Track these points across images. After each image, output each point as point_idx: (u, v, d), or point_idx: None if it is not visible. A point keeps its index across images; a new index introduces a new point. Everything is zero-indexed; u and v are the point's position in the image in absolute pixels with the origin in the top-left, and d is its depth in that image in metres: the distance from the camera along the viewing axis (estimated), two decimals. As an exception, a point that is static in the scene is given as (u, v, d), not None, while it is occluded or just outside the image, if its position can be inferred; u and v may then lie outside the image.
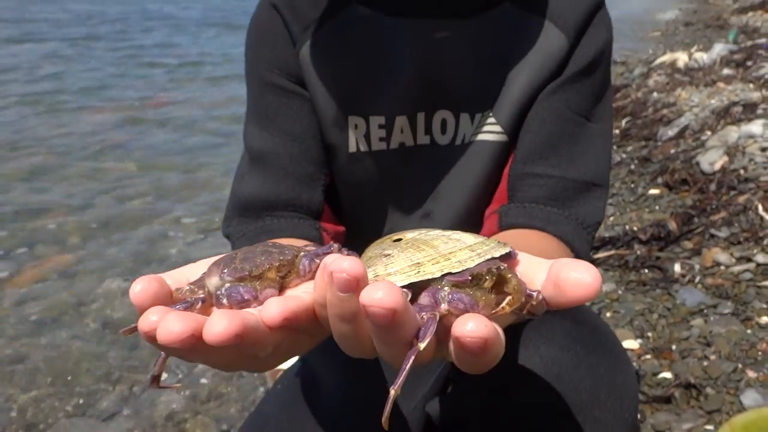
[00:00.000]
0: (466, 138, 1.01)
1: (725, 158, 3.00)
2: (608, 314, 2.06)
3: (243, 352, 0.50)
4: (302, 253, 0.59)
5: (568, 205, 0.94)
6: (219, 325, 0.45)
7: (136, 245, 3.58)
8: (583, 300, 0.47)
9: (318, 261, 0.58)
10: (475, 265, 0.50)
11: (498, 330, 0.45)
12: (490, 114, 0.99)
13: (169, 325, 0.46)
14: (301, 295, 0.54)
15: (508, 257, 0.55)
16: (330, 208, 1.05)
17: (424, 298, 0.48)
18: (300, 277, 0.58)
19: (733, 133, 3.21)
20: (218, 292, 0.55)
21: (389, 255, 0.53)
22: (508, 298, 0.48)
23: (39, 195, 4.33)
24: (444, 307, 0.46)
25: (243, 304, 0.54)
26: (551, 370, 0.81)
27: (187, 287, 0.57)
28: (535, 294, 0.50)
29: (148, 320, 0.48)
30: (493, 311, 0.47)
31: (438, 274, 0.49)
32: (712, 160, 3.02)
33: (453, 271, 0.49)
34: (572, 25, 0.96)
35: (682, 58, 5.92)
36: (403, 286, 0.49)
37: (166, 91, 7.41)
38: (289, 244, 0.62)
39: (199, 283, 0.57)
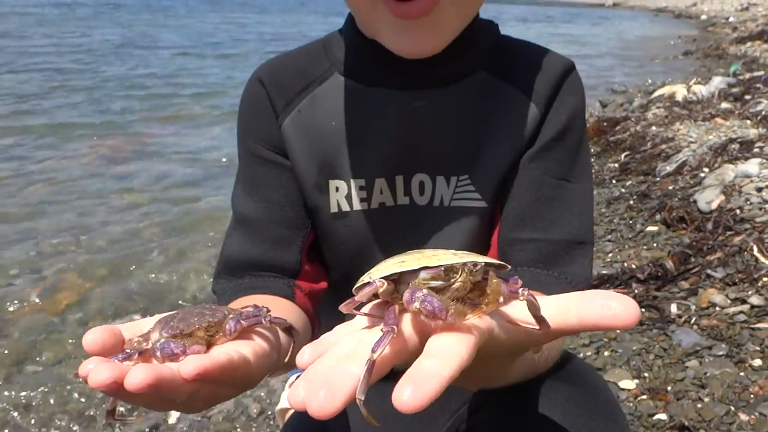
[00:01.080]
0: (445, 200, 1.07)
1: (722, 197, 3.08)
2: (606, 353, 2.13)
3: (161, 397, 0.61)
4: (231, 316, 0.70)
5: (555, 265, 1.00)
6: (136, 376, 0.57)
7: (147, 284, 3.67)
8: (623, 327, 0.53)
9: (243, 323, 0.70)
10: (452, 262, 0.56)
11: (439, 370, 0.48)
12: (467, 178, 1.05)
13: (98, 373, 0.58)
14: (219, 354, 0.65)
15: (501, 270, 0.61)
16: (318, 265, 1.13)
17: (406, 294, 0.53)
18: (226, 336, 0.69)
19: (729, 171, 3.28)
20: (154, 346, 0.66)
21: (404, 261, 0.61)
22: (487, 298, 0.54)
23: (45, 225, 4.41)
24: (416, 305, 0.51)
25: (172, 357, 0.65)
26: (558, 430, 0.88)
27: (136, 339, 0.68)
28: (520, 291, 0.55)
29: (85, 368, 0.60)
30: (469, 315, 0.53)
31: (416, 266, 0.56)
32: (708, 198, 3.10)
33: (430, 265, 0.56)
34: (543, 96, 1.03)
35: (680, 91, 6.03)
36: (385, 277, 0.57)
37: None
38: (227, 307, 0.74)
39: (146, 336, 0.68)
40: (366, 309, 0.62)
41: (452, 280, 0.56)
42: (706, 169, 3.62)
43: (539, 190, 1.03)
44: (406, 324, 0.55)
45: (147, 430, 2.27)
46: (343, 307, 0.58)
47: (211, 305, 0.74)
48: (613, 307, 0.52)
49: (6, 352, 2.86)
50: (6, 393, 2.51)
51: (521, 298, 0.55)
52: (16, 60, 10.92)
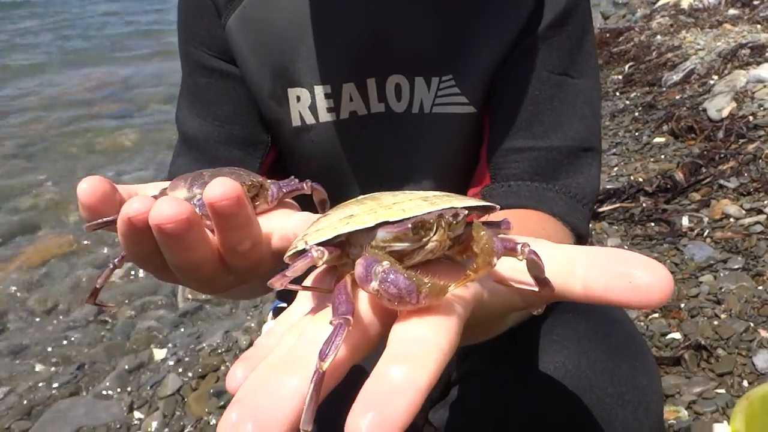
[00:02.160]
0: (425, 106, 0.90)
1: (733, 104, 2.91)
2: (614, 271, 2.00)
3: (187, 245, 0.50)
4: (270, 182, 0.61)
5: (557, 177, 0.85)
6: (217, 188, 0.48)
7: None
8: (649, 306, 0.37)
9: (285, 190, 0.61)
10: (423, 213, 0.40)
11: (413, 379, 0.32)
12: (451, 79, 0.88)
13: (132, 204, 0.49)
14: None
15: (487, 215, 0.46)
16: None
17: (359, 268, 0.37)
18: (267, 203, 0.60)
19: (741, 77, 3.10)
20: (192, 202, 0.55)
21: (327, 215, 0.45)
22: (475, 262, 0.38)
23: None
24: (373, 286, 0.36)
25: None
26: (568, 377, 0.73)
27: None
28: (519, 247, 0.39)
29: (132, 207, 0.49)
30: (455, 286, 0.37)
31: (371, 224, 0.40)
32: (719, 106, 2.93)
33: (390, 219, 0.40)
34: None
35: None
36: (328, 241, 0.41)
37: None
38: None
39: (163, 194, 0.59)
40: (308, 281, 0.46)
41: (424, 240, 0.40)
42: (715, 77, 3.43)
43: (536, 89, 0.87)
44: (364, 305, 0.39)
45: (128, 367, 2.17)
46: (274, 282, 0.40)
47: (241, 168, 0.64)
48: (637, 278, 0.36)
49: None
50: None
51: (520, 257, 0.40)
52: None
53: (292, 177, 0.62)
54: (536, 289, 0.41)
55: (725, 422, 1.27)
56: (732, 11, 5.15)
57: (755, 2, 5.42)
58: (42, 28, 8.92)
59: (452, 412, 0.88)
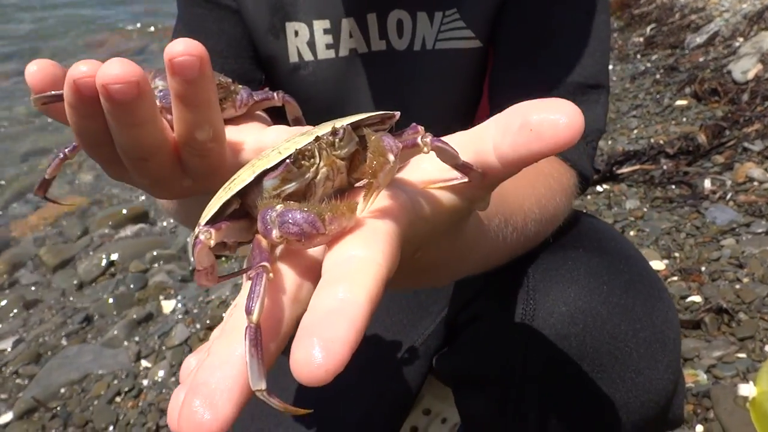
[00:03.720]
0: (428, 42, 0.86)
1: (759, 66, 2.83)
2: (632, 233, 1.96)
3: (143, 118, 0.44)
4: (241, 87, 0.58)
5: None
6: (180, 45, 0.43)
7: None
8: (567, 143, 0.33)
9: (255, 98, 0.58)
10: (298, 147, 0.37)
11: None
12: (455, 13, 0.84)
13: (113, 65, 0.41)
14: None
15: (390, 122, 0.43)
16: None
17: (258, 224, 0.35)
18: (235, 108, 0.57)
19: (767, 39, 3.01)
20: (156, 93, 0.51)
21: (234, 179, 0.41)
22: (368, 167, 0.35)
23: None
24: (275, 234, 0.33)
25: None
26: (580, 315, 0.69)
27: None
28: (419, 139, 0.37)
29: (78, 69, 0.43)
30: (363, 199, 0.35)
31: (250, 179, 0.37)
32: (745, 68, 2.85)
33: (267, 167, 0.37)
34: None
35: (711, -41, 5.60)
36: (216, 215, 0.39)
37: None
38: None
39: None
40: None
41: (312, 171, 0.37)
42: (740, 39, 3.34)
43: (543, 21, 0.83)
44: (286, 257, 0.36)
45: (137, 317, 2.16)
46: (200, 282, 0.40)
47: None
48: (536, 123, 0.34)
49: None
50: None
51: (426, 149, 0.36)
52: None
53: (266, 87, 0.59)
54: (465, 179, 0.38)
55: (751, 383, 1.23)
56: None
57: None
58: None
59: (459, 358, 0.85)
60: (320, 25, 0.86)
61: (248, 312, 0.30)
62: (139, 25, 6.82)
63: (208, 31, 0.88)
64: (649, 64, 3.66)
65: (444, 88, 0.88)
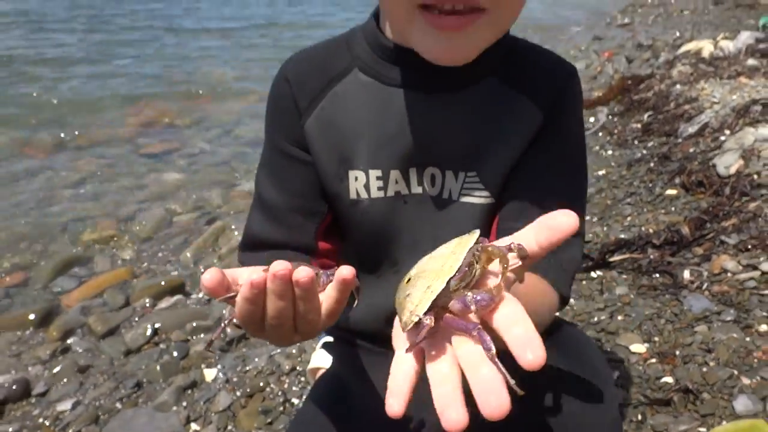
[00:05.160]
0: (453, 193, 1.17)
1: (741, 162, 3.12)
2: (620, 317, 2.23)
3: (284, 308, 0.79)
4: (322, 272, 0.84)
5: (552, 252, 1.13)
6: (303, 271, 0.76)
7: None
8: (571, 231, 0.68)
9: (330, 279, 0.82)
10: (462, 261, 0.68)
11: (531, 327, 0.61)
12: (476, 176, 1.15)
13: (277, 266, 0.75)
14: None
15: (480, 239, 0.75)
16: (333, 244, 1.25)
17: (455, 305, 0.65)
18: (320, 287, 0.83)
19: (749, 135, 3.32)
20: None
21: (409, 294, 0.69)
22: (500, 264, 0.69)
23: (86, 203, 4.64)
24: (473, 308, 0.63)
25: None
26: None
27: None
28: (511, 244, 0.70)
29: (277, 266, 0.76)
30: (500, 281, 0.66)
31: (444, 284, 0.66)
32: (727, 163, 3.15)
33: (451, 274, 0.67)
34: (547, 101, 1.14)
35: (707, 47, 5.98)
36: (429, 308, 0.65)
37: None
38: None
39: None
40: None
41: (474, 271, 0.69)
42: (727, 131, 3.64)
43: (538, 184, 1.15)
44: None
45: (182, 384, 2.44)
46: (408, 350, 0.66)
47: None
48: (553, 221, 0.70)
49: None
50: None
51: (515, 249, 0.71)
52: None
53: (335, 268, 0.84)
54: (521, 262, 0.72)
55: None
56: (751, 61, 5.36)
57: (774, 53, 5.63)
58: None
59: None
60: (374, 173, 1.17)
61: (487, 349, 0.60)
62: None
63: (287, 176, 1.21)
64: (645, 151, 3.97)
65: (463, 228, 1.20)
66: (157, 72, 8.46)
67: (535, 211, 1.12)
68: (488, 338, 0.60)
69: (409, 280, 0.72)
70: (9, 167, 5.27)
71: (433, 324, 0.63)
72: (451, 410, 0.57)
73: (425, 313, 0.64)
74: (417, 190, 1.19)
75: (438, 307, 0.66)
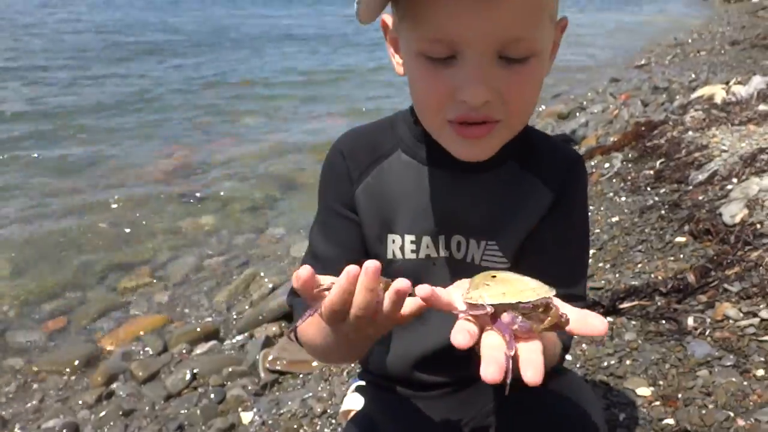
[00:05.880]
0: (476, 258, 1.39)
1: (745, 211, 3.29)
2: (628, 362, 2.40)
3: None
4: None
5: None
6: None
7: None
8: (599, 335, 0.92)
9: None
10: (536, 299, 0.90)
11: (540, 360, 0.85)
12: (495, 244, 1.38)
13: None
14: None
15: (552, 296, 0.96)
16: None
17: (506, 316, 0.88)
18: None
19: (754, 185, 3.48)
20: None
21: (488, 285, 0.95)
22: (550, 318, 0.89)
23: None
24: (515, 326, 0.86)
25: None
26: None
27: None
28: (565, 315, 0.91)
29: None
30: (540, 327, 0.89)
31: (514, 301, 0.90)
32: (733, 212, 3.31)
33: (523, 301, 0.90)
34: (556, 184, 1.37)
35: (719, 93, 6.16)
36: (492, 304, 0.90)
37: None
38: None
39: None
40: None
41: (532, 312, 0.91)
42: (734, 180, 3.80)
43: (549, 255, 1.37)
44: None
45: (221, 427, 2.63)
46: (463, 312, 0.94)
47: None
48: (589, 319, 0.91)
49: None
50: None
51: (563, 319, 0.91)
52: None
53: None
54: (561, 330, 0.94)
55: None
56: (762, 106, 5.53)
57: (785, 98, 5.78)
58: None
59: None
60: (409, 237, 1.40)
61: (509, 349, 0.85)
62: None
63: (340, 233, 1.43)
64: (657, 198, 4.13)
65: None
66: (188, 115, 8.85)
67: (546, 278, 1.33)
68: (514, 344, 0.85)
69: (494, 276, 0.98)
70: (44, 210, 5.57)
71: (489, 312, 0.90)
72: (494, 364, 0.81)
73: (490, 305, 0.90)
74: (444, 254, 1.41)
75: (497, 307, 0.90)
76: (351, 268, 0.97)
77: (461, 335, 0.86)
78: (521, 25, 1.09)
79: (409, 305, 1.03)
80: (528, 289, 0.92)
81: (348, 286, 0.98)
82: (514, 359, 0.83)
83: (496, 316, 0.90)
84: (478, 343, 0.88)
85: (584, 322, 0.91)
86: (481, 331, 0.91)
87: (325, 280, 1.03)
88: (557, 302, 0.94)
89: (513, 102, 1.17)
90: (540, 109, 9.01)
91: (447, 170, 1.35)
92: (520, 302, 0.89)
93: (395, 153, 1.41)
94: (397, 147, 1.41)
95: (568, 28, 1.29)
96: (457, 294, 0.99)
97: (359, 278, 0.97)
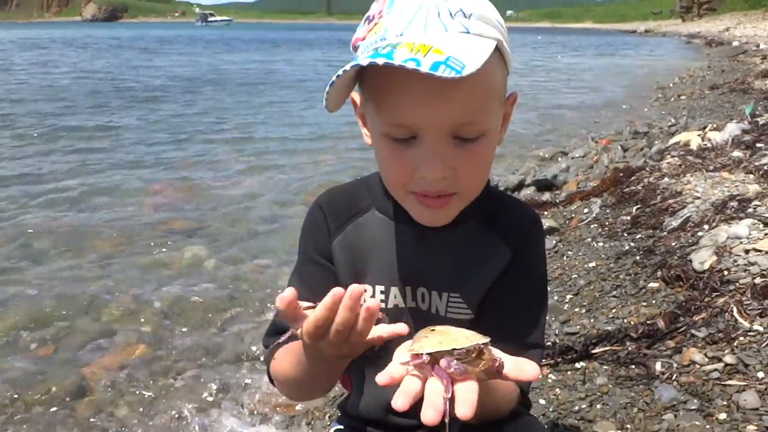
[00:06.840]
0: (440, 309, 1.51)
1: (714, 258, 3.42)
2: (598, 406, 2.51)
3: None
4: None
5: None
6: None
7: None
8: (531, 379, 1.04)
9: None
10: (469, 345, 1.00)
11: (473, 398, 0.95)
12: (458, 296, 1.50)
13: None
14: None
15: (487, 344, 1.07)
16: None
17: (443, 361, 0.98)
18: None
19: (722, 233, 3.62)
20: None
21: (426, 337, 1.07)
22: (483, 361, 0.99)
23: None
24: (451, 370, 0.96)
25: None
26: None
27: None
28: (498, 360, 1.00)
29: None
30: (476, 370, 0.99)
31: (449, 348, 1.01)
32: (702, 259, 3.44)
33: (457, 347, 1.01)
34: (515, 242, 1.50)
35: (695, 139, 6.36)
36: (430, 353, 1.01)
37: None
38: None
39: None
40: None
41: (466, 357, 1.02)
42: (706, 227, 3.94)
43: (508, 307, 1.49)
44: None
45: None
46: (402, 365, 1.04)
47: None
48: (524, 367, 1.03)
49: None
50: None
51: (497, 364, 1.02)
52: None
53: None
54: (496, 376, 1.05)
55: None
56: (736, 153, 5.73)
57: (758, 144, 5.99)
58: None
59: None
60: (379, 288, 1.53)
61: (446, 392, 0.96)
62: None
63: (316, 281, 1.53)
64: (632, 243, 4.27)
65: None
66: (176, 155, 9.04)
67: (505, 330, 1.45)
68: (450, 387, 0.97)
69: (433, 330, 1.10)
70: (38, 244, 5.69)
71: (426, 361, 1.00)
72: (431, 408, 0.92)
73: (427, 354, 1.00)
74: (411, 304, 1.54)
75: (434, 355, 1.00)
76: (336, 290, 1.10)
77: (401, 399, 0.96)
78: (472, 111, 1.25)
79: (377, 332, 1.18)
80: (462, 337, 1.04)
81: (332, 305, 1.10)
82: (452, 400, 0.95)
83: (435, 364, 1.02)
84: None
85: (519, 368, 1.02)
86: (425, 380, 1.01)
87: (302, 304, 1.17)
88: (494, 350, 1.04)
89: (466, 176, 1.32)
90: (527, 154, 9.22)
91: (414, 227, 1.48)
92: (454, 348, 1.00)
93: (371, 210, 1.55)
94: (373, 205, 1.55)
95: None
96: (403, 349, 1.11)
97: (343, 299, 1.10)
